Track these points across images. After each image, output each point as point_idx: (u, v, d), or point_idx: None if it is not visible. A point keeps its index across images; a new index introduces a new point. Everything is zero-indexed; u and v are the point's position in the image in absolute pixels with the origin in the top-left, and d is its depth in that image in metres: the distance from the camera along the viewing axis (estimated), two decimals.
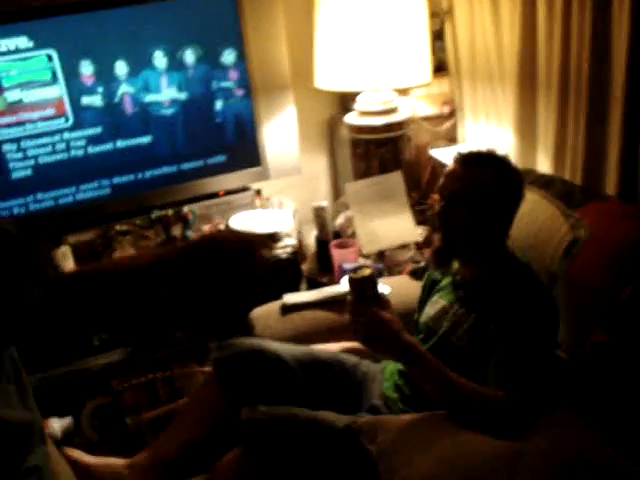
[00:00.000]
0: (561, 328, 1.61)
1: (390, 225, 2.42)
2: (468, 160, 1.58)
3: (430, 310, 1.70)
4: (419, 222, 2.46)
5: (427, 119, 2.66)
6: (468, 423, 1.38)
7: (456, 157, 1.61)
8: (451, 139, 2.66)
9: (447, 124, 2.66)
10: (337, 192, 2.91)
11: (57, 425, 2.31)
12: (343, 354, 1.84)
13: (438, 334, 1.61)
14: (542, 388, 1.43)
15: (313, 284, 2.43)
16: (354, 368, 1.78)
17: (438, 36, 2.57)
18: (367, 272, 1.48)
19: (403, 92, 2.58)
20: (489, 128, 2.49)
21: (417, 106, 2.63)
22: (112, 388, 2.32)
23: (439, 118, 2.66)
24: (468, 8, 2.43)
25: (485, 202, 1.52)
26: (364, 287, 1.47)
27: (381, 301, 1.48)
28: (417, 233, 2.43)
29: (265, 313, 2.20)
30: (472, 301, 1.59)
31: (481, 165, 1.56)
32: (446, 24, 2.55)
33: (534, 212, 1.84)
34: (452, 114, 2.65)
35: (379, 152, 2.45)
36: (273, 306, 2.21)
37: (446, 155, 2.55)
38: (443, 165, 2.54)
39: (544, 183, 1.93)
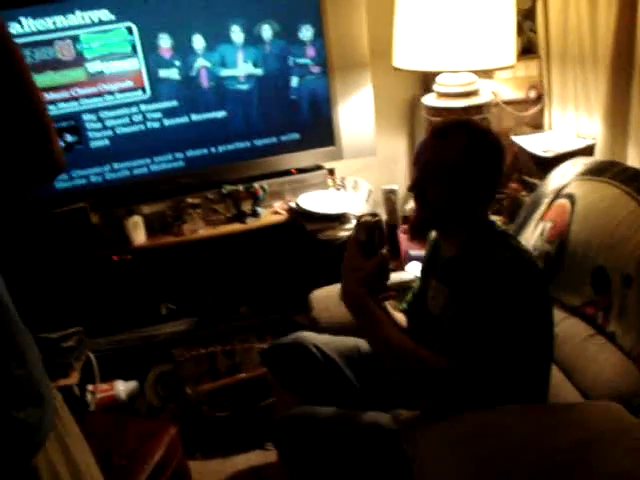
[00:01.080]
0: (631, 334, 1.49)
1: None
2: (441, 130, 1.48)
3: (429, 291, 1.62)
4: (494, 211, 2.35)
5: (511, 103, 2.52)
6: (409, 384, 1.37)
7: (428, 128, 1.52)
8: (536, 126, 2.52)
9: (533, 110, 2.52)
10: None
11: (122, 388, 2.41)
12: None
13: (435, 319, 1.54)
14: (490, 363, 1.33)
15: None
16: None
17: (528, 15, 2.42)
18: (379, 219, 1.46)
19: (486, 74, 2.45)
20: (577, 115, 2.33)
21: (501, 89, 2.50)
22: (175, 357, 2.39)
23: (524, 103, 2.52)
24: None
25: (460, 172, 1.42)
26: (372, 233, 1.45)
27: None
28: None
29: (325, 295, 2.17)
30: (449, 276, 1.50)
31: (453, 135, 1.45)
32: (537, 2, 2.39)
33: (613, 208, 1.71)
34: (539, 99, 2.51)
35: None
36: (333, 289, 2.18)
37: (530, 142, 2.42)
38: (526, 152, 2.41)
39: (628, 177, 1.78)
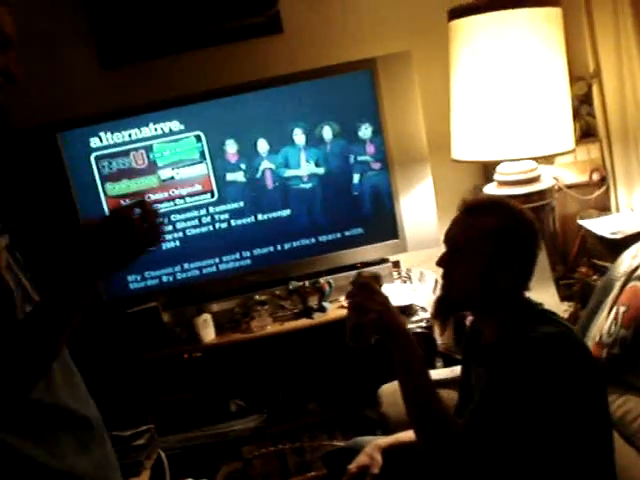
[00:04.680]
0: None
1: None
2: (474, 207, 1.43)
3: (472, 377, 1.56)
4: (564, 297, 2.29)
5: (574, 187, 2.50)
6: (422, 440, 1.31)
7: (460, 205, 1.46)
8: (602, 208, 2.48)
9: (597, 192, 2.49)
10: None
11: None
12: None
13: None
14: (500, 445, 1.25)
15: (448, 360, 2.33)
16: None
17: (585, 100, 2.44)
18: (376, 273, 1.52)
19: (547, 160, 2.45)
20: None
21: (563, 174, 2.49)
22: (243, 455, 2.37)
23: (588, 186, 2.50)
24: (617, 70, 2.29)
25: (491, 252, 1.37)
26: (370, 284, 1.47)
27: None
28: (562, 309, 2.26)
29: (393, 389, 2.12)
30: (487, 358, 1.42)
31: (487, 212, 1.40)
32: (593, 87, 2.41)
33: None
34: (603, 181, 2.48)
35: None
36: None
37: (597, 225, 2.38)
38: (595, 236, 2.37)
39: None
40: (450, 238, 1.46)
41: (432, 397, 1.33)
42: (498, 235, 1.38)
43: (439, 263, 1.47)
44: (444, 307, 1.52)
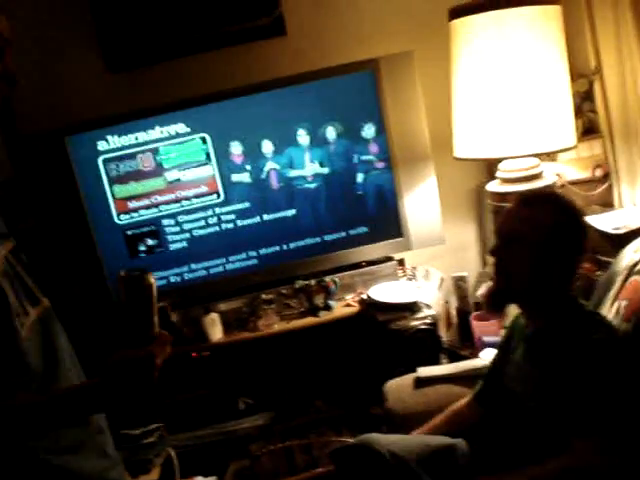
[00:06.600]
0: None
1: None
2: (529, 199, 1.47)
3: (509, 369, 1.57)
4: None
5: (577, 184, 2.51)
6: None
7: (516, 196, 1.50)
8: (606, 204, 2.48)
9: (600, 188, 2.49)
10: (485, 262, 2.82)
11: None
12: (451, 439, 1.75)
13: (518, 397, 1.49)
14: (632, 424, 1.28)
15: (453, 356, 2.35)
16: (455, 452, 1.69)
17: (586, 97, 2.45)
18: (151, 280, 1.09)
19: (550, 157, 2.47)
20: None
21: (566, 171, 2.50)
22: (251, 452, 2.39)
23: (591, 182, 2.50)
24: (618, 66, 2.29)
25: (545, 244, 1.40)
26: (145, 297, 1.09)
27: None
28: None
29: (399, 385, 2.16)
30: (536, 354, 1.45)
31: (543, 205, 1.45)
32: (595, 84, 2.42)
33: None
34: (606, 178, 2.48)
35: None
36: (407, 379, 2.17)
37: (601, 220, 2.38)
38: (598, 231, 2.37)
39: None
40: (504, 229, 1.49)
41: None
42: (553, 227, 1.43)
43: (492, 252, 1.50)
44: (497, 299, 1.54)
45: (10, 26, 1.15)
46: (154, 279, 1.10)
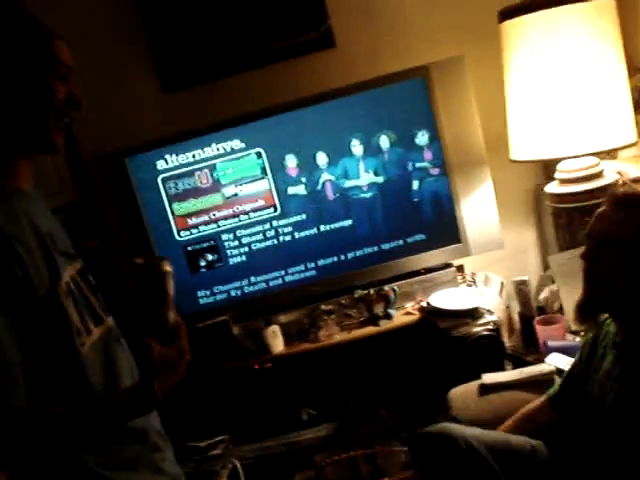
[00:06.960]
0: None
1: None
2: (625, 201, 1.39)
3: (595, 377, 1.52)
4: None
5: (639, 181, 2.44)
6: None
7: (610, 197, 1.43)
8: None
9: None
10: (545, 265, 2.76)
11: None
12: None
13: (606, 405, 1.43)
14: None
15: (517, 362, 2.31)
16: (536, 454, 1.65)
17: None
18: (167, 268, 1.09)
19: (610, 155, 2.41)
20: None
21: (627, 169, 2.43)
22: (316, 463, 2.40)
23: None
24: None
25: (634, 247, 1.34)
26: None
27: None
28: None
29: (463, 393, 2.14)
30: (630, 364, 1.38)
31: (635, 207, 1.37)
32: None
33: None
34: None
35: (584, 221, 2.29)
36: (471, 386, 2.14)
37: None
38: None
39: None
40: (596, 232, 1.44)
41: None
42: None
43: (584, 256, 1.45)
44: (588, 308, 1.48)
45: (71, 54, 1.20)
46: (171, 267, 1.10)
